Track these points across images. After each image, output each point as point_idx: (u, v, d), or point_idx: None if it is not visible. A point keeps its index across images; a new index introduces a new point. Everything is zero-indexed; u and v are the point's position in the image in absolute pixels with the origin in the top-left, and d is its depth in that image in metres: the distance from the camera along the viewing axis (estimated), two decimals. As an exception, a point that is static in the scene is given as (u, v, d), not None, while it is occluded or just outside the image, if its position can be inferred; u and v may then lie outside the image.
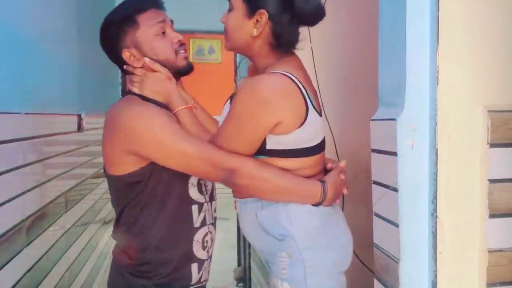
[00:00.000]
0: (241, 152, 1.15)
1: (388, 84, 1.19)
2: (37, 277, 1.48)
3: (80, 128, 2.12)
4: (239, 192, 1.26)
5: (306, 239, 1.18)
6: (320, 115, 1.25)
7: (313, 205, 1.19)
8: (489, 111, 1.09)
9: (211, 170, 1.15)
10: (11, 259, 1.26)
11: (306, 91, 1.18)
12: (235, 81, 3.38)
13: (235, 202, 1.32)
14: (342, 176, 1.27)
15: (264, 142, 1.15)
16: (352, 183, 2.39)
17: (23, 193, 1.36)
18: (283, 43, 1.20)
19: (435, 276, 1.09)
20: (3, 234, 1.21)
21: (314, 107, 1.19)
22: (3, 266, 1.20)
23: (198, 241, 1.28)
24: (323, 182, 1.20)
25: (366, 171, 1.35)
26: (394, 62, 1.14)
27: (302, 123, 1.15)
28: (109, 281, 1.33)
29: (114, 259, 1.32)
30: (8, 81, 1.34)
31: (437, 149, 1.08)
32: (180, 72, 1.29)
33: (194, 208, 1.28)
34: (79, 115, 2.12)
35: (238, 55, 3.56)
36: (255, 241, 1.29)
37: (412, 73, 1.09)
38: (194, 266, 1.28)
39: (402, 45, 1.10)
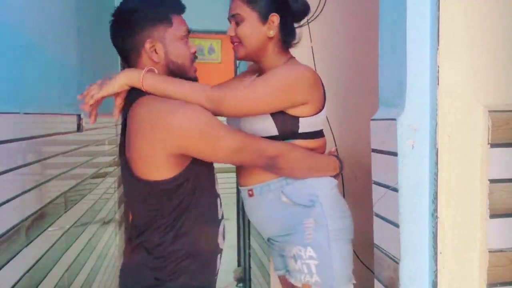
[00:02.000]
0: (253, 111, 1.29)
1: (388, 84, 1.19)
2: (36, 277, 1.48)
3: (79, 128, 2.12)
4: (256, 175, 1.37)
5: (330, 205, 1.35)
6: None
7: (334, 176, 1.40)
8: (489, 111, 1.09)
9: (257, 159, 1.26)
10: (11, 259, 1.25)
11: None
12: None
13: (250, 190, 1.40)
14: None
15: (297, 127, 1.33)
16: (352, 183, 2.40)
17: (22, 193, 1.36)
18: (290, 41, 1.39)
19: (436, 276, 1.09)
20: (3, 234, 1.21)
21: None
22: (2, 266, 1.20)
23: (221, 232, 1.32)
24: (336, 156, 1.42)
25: (366, 171, 1.35)
26: (394, 62, 1.14)
27: (322, 109, 1.37)
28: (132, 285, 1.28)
29: (138, 271, 1.24)
30: (7, 80, 1.34)
31: (437, 149, 1.08)
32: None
33: (218, 201, 1.33)
34: (79, 115, 2.12)
35: (238, 55, 3.56)
36: (277, 218, 1.38)
37: (412, 73, 1.09)
38: (218, 257, 1.31)
39: (403, 45, 1.10)
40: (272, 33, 1.33)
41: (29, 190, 1.43)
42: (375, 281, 1.23)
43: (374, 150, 1.21)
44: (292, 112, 1.32)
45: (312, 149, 1.37)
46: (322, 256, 1.30)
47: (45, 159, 1.61)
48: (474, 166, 1.09)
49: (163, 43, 1.23)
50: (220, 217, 1.33)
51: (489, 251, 1.09)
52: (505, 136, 1.09)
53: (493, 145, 1.09)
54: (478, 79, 1.09)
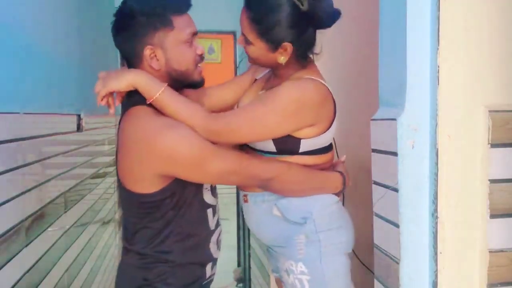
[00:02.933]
0: (252, 139, 1.23)
1: (388, 84, 1.19)
2: (36, 277, 1.48)
3: (79, 128, 2.12)
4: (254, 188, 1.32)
5: (324, 222, 1.28)
6: None
7: (336, 194, 1.32)
8: (490, 111, 1.08)
9: (249, 181, 1.22)
10: (10, 259, 1.25)
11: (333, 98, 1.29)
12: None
13: (244, 195, 1.35)
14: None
15: (297, 148, 1.24)
16: (352, 183, 2.39)
17: (22, 193, 1.36)
18: (307, 53, 1.29)
19: (436, 276, 1.09)
20: (2, 234, 1.21)
21: (336, 111, 1.31)
22: (2, 267, 1.20)
23: (214, 242, 1.29)
24: (340, 172, 1.32)
25: (366, 171, 1.35)
26: (394, 62, 1.14)
27: (329, 127, 1.27)
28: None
29: (129, 272, 1.27)
30: (7, 80, 1.34)
31: (437, 149, 1.07)
32: (192, 86, 1.25)
33: (209, 211, 1.28)
34: (79, 115, 2.12)
35: (238, 55, 3.55)
36: (267, 230, 1.35)
37: (412, 73, 1.09)
38: (209, 265, 1.29)
39: (403, 45, 1.10)
40: (283, 59, 1.21)
41: (29, 190, 1.42)
42: (375, 281, 1.23)
43: (374, 150, 1.21)
44: (295, 133, 1.23)
45: (315, 165, 1.29)
46: (314, 271, 1.26)
47: (44, 159, 1.61)
48: (474, 166, 1.09)
49: (163, 49, 1.15)
50: (212, 227, 1.29)
51: (489, 251, 1.09)
52: (506, 136, 1.09)
53: (493, 145, 1.08)
54: (478, 79, 1.09)
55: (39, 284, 1.51)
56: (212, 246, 1.29)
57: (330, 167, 1.37)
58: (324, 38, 2.34)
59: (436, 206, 1.08)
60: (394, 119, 1.10)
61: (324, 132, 1.27)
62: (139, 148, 1.11)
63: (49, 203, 1.64)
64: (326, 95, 1.25)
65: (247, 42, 1.23)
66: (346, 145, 2.39)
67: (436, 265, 1.08)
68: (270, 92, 1.21)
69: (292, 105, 1.17)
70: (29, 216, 1.42)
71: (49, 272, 1.61)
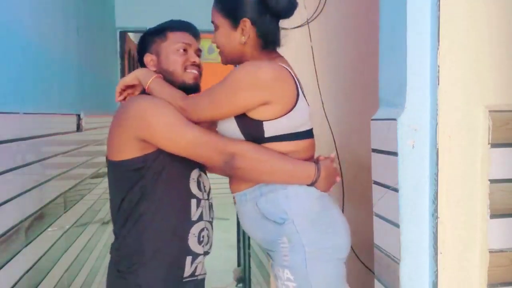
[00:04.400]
0: (214, 116, 1.28)
1: (388, 84, 1.19)
2: (36, 277, 1.48)
3: (79, 128, 2.12)
4: (237, 184, 1.32)
5: (305, 221, 1.23)
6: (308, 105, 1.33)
7: (308, 185, 1.25)
8: (490, 111, 1.08)
9: (214, 155, 1.25)
10: (10, 259, 1.25)
11: (298, 81, 1.29)
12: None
13: (234, 197, 1.35)
14: (334, 165, 1.32)
15: (262, 132, 1.24)
16: (352, 183, 2.40)
17: (22, 193, 1.36)
18: (270, 41, 1.32)
19: (436, 276, 1.09)
20: (2, 234, 1.20)
21: (304, 96, 1.30)
22: (2, 267, 1.20)
23: (194, 234, 1.31)
24: (316, 163, 1.28)
25: (366, 171, 1.35)
26: (394, 62, 1.14)
27: (292, 108, 1.24)
28: (107, 283, 1.34)
29: (112, 257, 1.34)
30: (7, 80, 1.34)
31: (438, 149, 1.07)
32: (183, 88, 1.37)
33: (193, 202, 1.33)
34: (78, 115, 2.12)
35: (237, 55, 3.56)
36: (256, 231, 1.33)
37: (412, 73, 1.09)
38: (188, 259, 1.30)
39: (403, 45, 1.10)
40: (243, 39, 1.28)
41: (28, 190, 1.42)
42: (375, 281, 1.23)
43: (374, 150, 1.21)
44: (253, 115, 1.23)
45: (289, 152, 1.26)
46: (300, 279, 1.21)
47: (44, 159, 1.61)
48: (474, 166, 1.09)
49: (157, 55, 1.42)
50: (194, 218, 1.32)
51: (490, 251, 1.09)
52: (505, 136, 1.09)
53: (494, 145, 1.08)
54: (478, 79, 1.09)
55: (39, 284, 1.51)
56: (192, 238, 1.31)
57: (311, 159, 1.32)
58: (324, 38, 2.34)
59: (436, 206, 1.08)
60: (394, 119, 1.10)
61: (286, 113, 1.23)
62: (126, 115, 1.30)
63: (49, 203, 1.63)
64: (283, 74, 1.25)
65: (215, 29, 1.34)
66: (346, 145, 2.40)
67: (436, 265, 1.08)
68: (228, 75, 1.28)
69: (244, 79, 1.23)
70: (29, 216, 1.42)
71: (49, 272, 1.61)
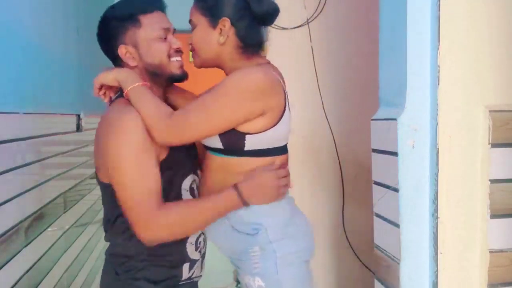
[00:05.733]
0: (210, 132, 1.17)
1: (388, 84, 1.19)
2: (36, 277, 1.48)
3: (79, 128, 2.12)
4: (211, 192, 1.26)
5: (278, 230, 1.22)
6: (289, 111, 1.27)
7: (245, 204, 1.20)
8: (490, 111, 1.08)
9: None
10: (10, 259, 1.25)
11: (285, 90, 1.22)
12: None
13: None
14: (277, 173, 1.22)
15: (242, 145, 1.18)
16: (352, 183, 2.40)
17: (22, 193, 1.36)
18: (250, 44, 1.25)
19: (436, 276, 1.08)
20: (2, 234, 1.20)
21: (289, 107, 1.24)
22: (2, 267, 1.20)
23: (191, 242, 1.28)
24: (235, 185, 1.19)
25: (366, 171, 1.35)
26: (394, 62, 1.14)
27: (279, 121, 1.19)
28: (101, 281, 1.32)
29: (107, 259, 1.30)
30: (7, 80, 1.34)
31: (438, 149, 1.07)
32: (172, 79, 1.28)
33: None
34: (78, 115, 2.12)
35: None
36: (226, 243, 1.30)
37: (412, 73, 1.09)
38: (186, 266, 1.28)
39: (403, 45, 1.09)
40: (222, 39, 1.22)
41: (28, 190, 1.42)
42: (375, 281, 1.23)
43: (374, 150, 1.21)
44: (240, 127, 1.17)
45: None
46: (272, 284, 1.21)
47: (44, 159, 1.61)
48: (474, 166, 1.09)
49: (136, 47, 1.23)
50: None
51: (490, 251, 1.09)
52: (506, 136, 1.09)
53: (494, 145, 1.08)
54: (478, 79, 1.09)
55: (39, 284, 1.50)
56: (189, 246, 1.28)
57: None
58: (324, 38, 2.34)
59: (437, 206, 1.08)
60: (394, 119, 1.10)
61: (272, 126, 1.18)
62: (98, 137, 1.20)
63: (48, 203, 1.63)
64: (276, 84, 1.19)
65: (193, 28, 1.26)
66: (346, 145, 2.40)
67: (436, 265, 1.08)
68: (216, 85, 1.19)
69: (246, 88, 1.15)
70: (29, 216, 1.41)
71: (48, 272, 1.61)
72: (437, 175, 1.07)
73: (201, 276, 1.37)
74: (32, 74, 1.58)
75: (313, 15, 2.31)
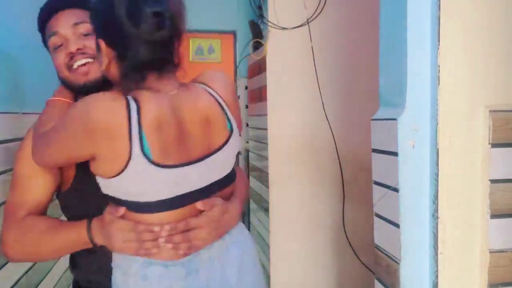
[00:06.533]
0: (55, 162, 1.06)
1: (389, 84, 1.19)
2: (36, 277, 1.48)
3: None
4: None
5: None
6: (170, 167, 0.97)
7: (97, 247, 1.02)
8: (490, 111, 1.08)
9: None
10: (10, 259, 1.25)
11: (140, 130, 0.93)
12: (235, 80, 3.38)
13: None
14: (135, 227, 0.98)
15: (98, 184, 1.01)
16: (352, 183, 2.40)
17: (22, 194, 1.35)
18: (130, 67, 0.99)
19: (436, 277, 1.08)
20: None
21: (148, 156, 0.93)
22: (2, 267, 1.20)
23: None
24: (90, 219, 1.02)
25: (366, 171, 1.35)
26: (394, 62, 1.14)
27: (122, 170, 0.93)
28: None
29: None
30: (7, 80, 1.34)
31: (438, 149, 1.07)
32: (84, 91, 1.08)
33: None
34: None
35: (237, 54, 3.56)
36: None
37: (413, 73, 1.09)
38: None
39: (403, 45, 1.09)
40: (104, 63, 1.00)
41: (28, 190, 1.42)
42: (375, 281, 1.23)
43: (374, 150, 1.21)
44: (91, 167, 0.99)
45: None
46: None
47: (44, 159, 1.61)
48: (474, 166, 1.09)
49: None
50: None
51: (490, 252, 1.09)
52: (506, 136, 1.09)
53: (494, 145, 1.08)
54: (478, 79, 1.09)
55: (39, 284, 1.50)
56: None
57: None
58: (324, 38, 2.34)
59: (437, 206, 1.08)
60: (394, 119, 1.10)
61: (116, 175, 0.94)
62: None
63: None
64: (111, 120, 0.92)
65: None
66: (346, 145, 2.40)
67: (437, 265, 1.08)
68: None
69: (67, 122, 0.97)
70: (29, 216, 1.41)
71: (48, 272, 1.61)
72: (437, 175, 1.07)
73: None
74: (33, 74, 1.58)
75: (313, 15, 2.31)
